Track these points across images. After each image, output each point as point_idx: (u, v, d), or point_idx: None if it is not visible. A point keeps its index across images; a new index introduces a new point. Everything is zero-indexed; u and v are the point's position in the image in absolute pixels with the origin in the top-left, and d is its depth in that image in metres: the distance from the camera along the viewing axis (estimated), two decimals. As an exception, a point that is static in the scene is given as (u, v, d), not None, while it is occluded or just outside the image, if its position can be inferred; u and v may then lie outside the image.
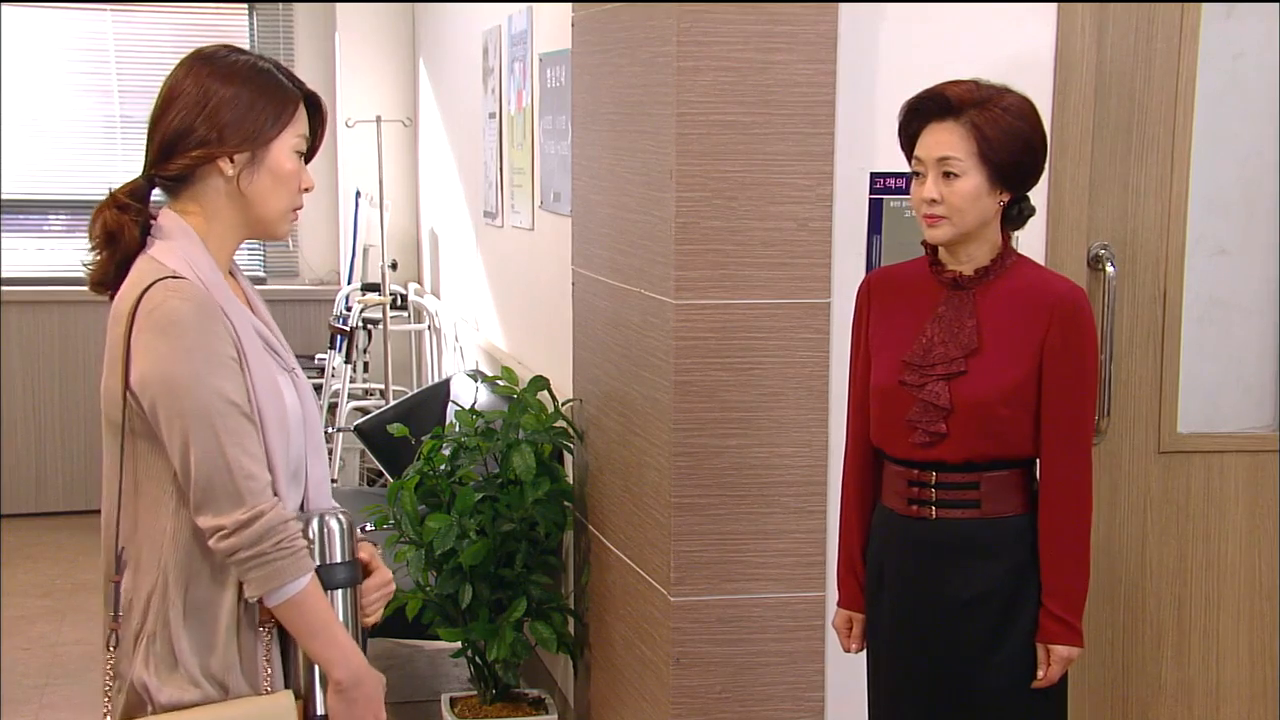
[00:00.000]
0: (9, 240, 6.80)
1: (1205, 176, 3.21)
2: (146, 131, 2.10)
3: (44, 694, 4.64)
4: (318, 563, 2.07)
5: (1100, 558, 3.03)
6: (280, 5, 7.01)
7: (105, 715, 2.07)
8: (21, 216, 6.91)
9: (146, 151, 2.10)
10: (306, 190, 2.15)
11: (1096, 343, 2.51)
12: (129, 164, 6.57)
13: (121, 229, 2.05)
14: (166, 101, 2.07)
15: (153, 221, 2.08)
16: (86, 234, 2.10)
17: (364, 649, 2.12)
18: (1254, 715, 3.34)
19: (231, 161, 2.06)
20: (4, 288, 6.60)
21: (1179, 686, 3.32)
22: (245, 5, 7.00)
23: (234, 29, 7.00)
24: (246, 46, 7.29)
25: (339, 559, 2.11)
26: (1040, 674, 2.49)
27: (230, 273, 2.16)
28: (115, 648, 2.06)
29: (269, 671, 2.07)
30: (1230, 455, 3.27)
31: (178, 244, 2.05)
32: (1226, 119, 3.22)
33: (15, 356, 6.69)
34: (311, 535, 2.09)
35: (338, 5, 6.82)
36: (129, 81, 6.89)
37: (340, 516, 2.13)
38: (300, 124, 2.12)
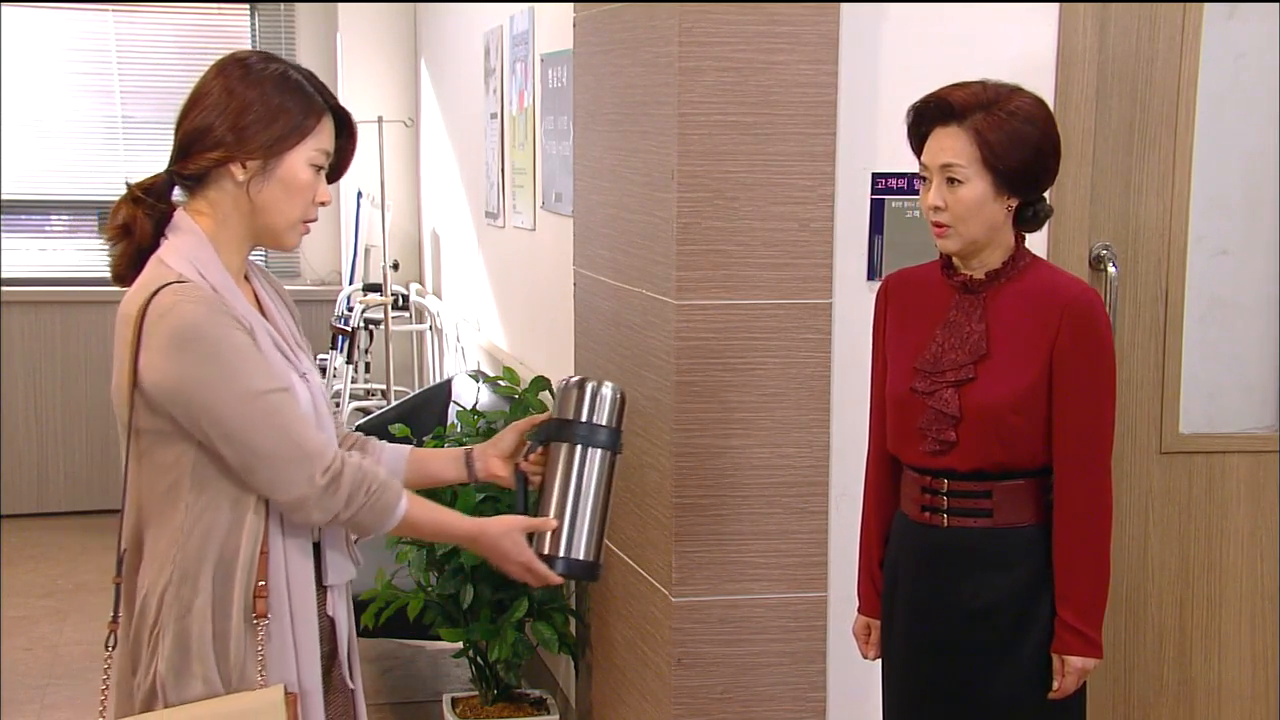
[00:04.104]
0: (10, 241, 6.80)
1: (1207, 176, 3.21)
2: (174, 127, 2.11)
3: (45, 694, 4.64)
4: (585, 419, 2.30)
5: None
6: (282, 5, 7.02)
7: (101, 714, 2.08)
8: (23, 217, 6.91)
9: (172, 148, 2.11)
10: (322, 204, 2.16)
11: (1112, 346, 2.41)
12: (131, 165, 6.57)
13: (135, 222, 2.08)
14: (194, 100, 2.09)
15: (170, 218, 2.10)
16: (98, 228, 2.13)
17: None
18: (1255, 715, 3.34)
19: (244, 167, 2.07)
20: (5, 288, 6.59)
21: (1181, 687, 3.32)
22: (247, 5, 7.00)
23: (236, 29, 7.00)
24: (248, 46, 7.27)
25: (603, 422, 2.32)
26: (1055, 685, 2.42)
27: (246, 276, 2.17)
28: (114, 648, 2.08)
29: (263, 665, 2.07)
30: (1232, 455, 3.27)
31: (185, 245, 2.06)
32: (1228, 119, 3.22)
33: (16, 357, 6.69)
34: (587, 394, 2.31)
35: (339, 5, 6.82)
36: (130, 82, 6.90)
37: (613, 387, 2.34)
38: (323, 138, 2.12)
